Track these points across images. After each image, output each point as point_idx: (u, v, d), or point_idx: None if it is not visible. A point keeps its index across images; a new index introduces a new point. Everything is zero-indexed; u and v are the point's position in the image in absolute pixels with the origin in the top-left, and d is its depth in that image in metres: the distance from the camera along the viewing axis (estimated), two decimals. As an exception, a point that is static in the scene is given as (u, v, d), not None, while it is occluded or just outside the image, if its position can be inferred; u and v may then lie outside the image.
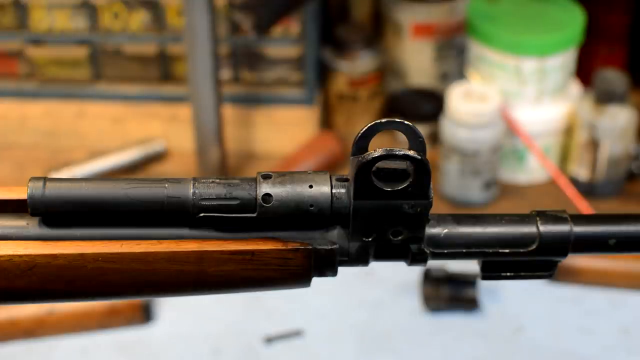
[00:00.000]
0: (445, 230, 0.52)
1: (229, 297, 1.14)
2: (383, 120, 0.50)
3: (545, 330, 1.12)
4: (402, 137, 0.51)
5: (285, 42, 1.38)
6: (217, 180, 0.50)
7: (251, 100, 1.40)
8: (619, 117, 1.28)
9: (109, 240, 0.50)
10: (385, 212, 0.50)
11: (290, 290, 0.52)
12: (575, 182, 1.34)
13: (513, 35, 1.31)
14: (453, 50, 1.46)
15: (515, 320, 1.13)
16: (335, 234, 0.51)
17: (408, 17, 1.43)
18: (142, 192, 0.49)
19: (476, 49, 1.34)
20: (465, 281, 1.13)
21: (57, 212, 0.51)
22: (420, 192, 0.49)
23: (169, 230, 0.51)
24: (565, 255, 0.53)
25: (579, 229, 0.52)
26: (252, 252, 0.50)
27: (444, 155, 1.31)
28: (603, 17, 1.42)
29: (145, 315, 1.12)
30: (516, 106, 1.33)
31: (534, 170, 1.37)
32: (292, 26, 1.37)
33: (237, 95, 1.40)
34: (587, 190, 1.33)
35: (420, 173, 0.49)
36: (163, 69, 1.40)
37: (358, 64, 1.42)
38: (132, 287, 0.48)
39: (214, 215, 0.49)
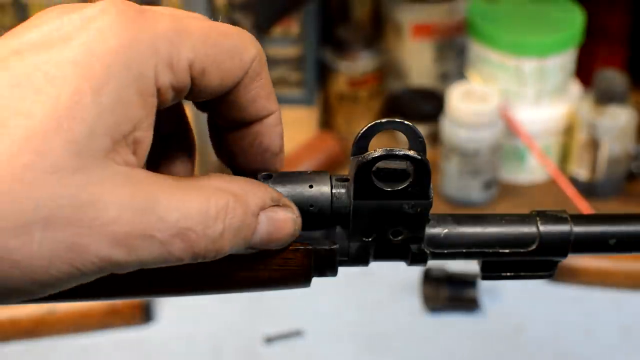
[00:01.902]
0: (445, 230, 0.52)
1: (229, 297, 1.14)
2: (383, 120, 0.50)
3: (545, 330, 1.12)
4: (402, 137, 0.51)
5: (285, 42, 1.38)
6: (217, 181, 0.50)
7: (251, 100, 1.39)
8: (619, 117, 1.28)
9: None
10: (385, 212, 0.50)
11: (290, 290, 0.52)
12: (575, 182, 1.34)
13: (513, 36, 1.31)
14: (453, 50, 1.46)
15: (515, 320, 1.13)
16: (335, 234, 0.51)
17: (408, 17, 1.43)
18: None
19: (476, 49, 1.34)
20: (465, 281, 1.13)
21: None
22: (420, 192, 0.49)
23: (169, 230, 0.51)
24: (565, 255, 0.53)
25: (579, 229, 0.52)
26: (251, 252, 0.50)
27: (444, 155, 1.32)
28: (603, 17, 1.42)
29: (145, 315, 1.12)
30: (516, 106, 1.33)
31: (534, 170, 1.37)
32: (292, 26, 1.37)
33: (237, 95, 1.39)
34: (587, 190, 1.33)
35: (420, 173, 0.48)
36: (163, 69, 1.40)
37: (358, 64, 1.42)
38: (132, 287, 0.48)
39: (214, 215, 0.49)
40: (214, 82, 0.45)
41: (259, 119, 0.49)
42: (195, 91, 0.45)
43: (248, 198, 0.46)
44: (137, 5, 0.43)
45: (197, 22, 0.45)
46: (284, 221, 0.48)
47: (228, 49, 0.45)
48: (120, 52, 0.41)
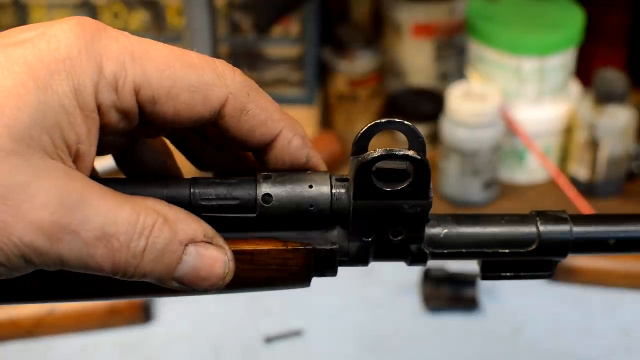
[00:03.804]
0: (445, 231, 0.52)
1: (229, 297, 1.14)
2: (383, 120, 0.50)
3: (545, 331, 1.12)
4: (402, 137, 0.51)
5: (285, 42, 1.38)
6: (217, 181, 0.50)
7: (251, 100, 1.39)
8: (619, 117, 1.28)
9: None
10: (385, 212, 0.50)
11: (290, 290, 0.52)
12: (575, 182, 1.34)
13: (513, 35, 1.31)
14: (453, 50, 1.46)
15: (515, 320, 1.13)
16: (335, 234, 0.51)
17: (408, 17, 1.43)
18: (142, 193, 0.49)
19: (476, 49, 1.34)
20: (465, 281, 1.13)
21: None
22: (420, 192, 0.49)
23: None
24: (565, 255, 0.53)
25: (579, 229, 0.52)
26: (252, 253, 0.50)
27: (444, 155, 1.31)
28: (603, 17, 1.42)
29: (145, 315, 1.12)
30: (516, 106, 1.33)
31: (534, 170, 1.37)
32: (292, 26, 1.37)
33: (237, 95, 1.39)
34: (587, 190, 1.33)
35: (420, 173, 0.48)
36: (163, 69, 1.40)
37: (358, 64, 1.42)
38: (132, 287, 0.48)
39: (213, 216, 0.49)
40: (169, 113, 0.46)
41: (269, 143, 0.50)
42: (148, 119, 0.46)
43: (178, 226, 0.46)
44: (103, 25, 0.45)
45: (163, 52, 0.45)
46: (213, 260, 0.47)
47: (190, 83, 0.46)
48: (65, 62, 0.43)
